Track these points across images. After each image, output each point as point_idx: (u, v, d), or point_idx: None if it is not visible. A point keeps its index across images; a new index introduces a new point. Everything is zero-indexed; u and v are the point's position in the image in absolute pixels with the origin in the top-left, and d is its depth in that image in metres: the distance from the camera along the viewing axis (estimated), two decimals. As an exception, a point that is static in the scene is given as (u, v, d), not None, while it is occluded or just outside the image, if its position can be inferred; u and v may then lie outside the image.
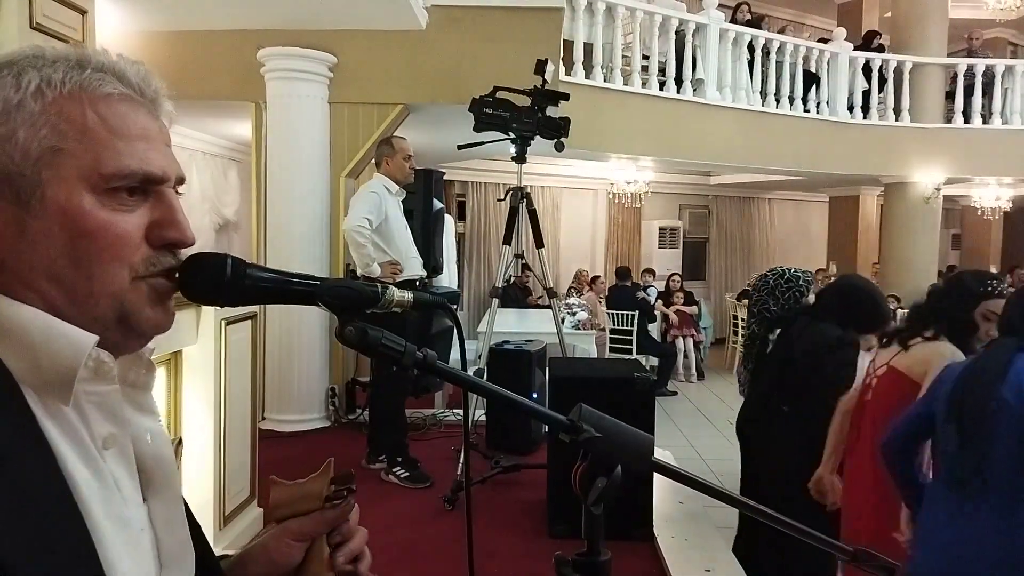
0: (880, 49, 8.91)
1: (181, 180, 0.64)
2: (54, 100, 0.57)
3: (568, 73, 6.15)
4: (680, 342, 8.93)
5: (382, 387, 3.90)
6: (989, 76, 8.74)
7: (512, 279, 8.30)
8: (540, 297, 8.61)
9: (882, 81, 8.64)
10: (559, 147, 3.64)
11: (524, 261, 4.11)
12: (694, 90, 7.22)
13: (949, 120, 8.89)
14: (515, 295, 8.49)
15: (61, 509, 0.52)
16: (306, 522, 0.73)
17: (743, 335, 9.13)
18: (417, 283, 3.92)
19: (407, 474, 3.75)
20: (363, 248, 3.74)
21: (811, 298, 3.18)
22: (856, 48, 8.61)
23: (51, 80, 0.58)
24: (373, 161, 4.24)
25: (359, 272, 3.77)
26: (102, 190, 0.57)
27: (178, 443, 2.03)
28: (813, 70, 8.28)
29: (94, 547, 0.53)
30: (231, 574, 0.74)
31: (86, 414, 0.57)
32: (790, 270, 3.36)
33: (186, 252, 0.64)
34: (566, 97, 3.67)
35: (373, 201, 3.79)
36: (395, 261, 3.84)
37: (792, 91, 8.03)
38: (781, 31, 8.89)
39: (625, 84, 6.77)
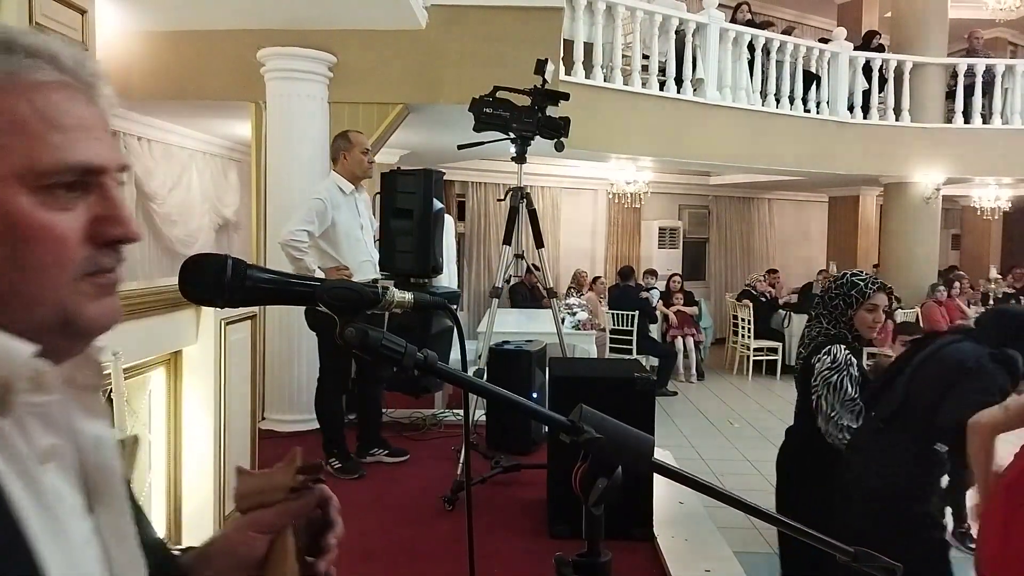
0: (880, 49, 8.92)
1: (123, 168, 0.60)
2: None
3: (568, 73, 6.15)
4: (680, 342, 8.93)
5: (326, 381, 3.89)
6: (989, 76, 8.75)
7: (513, 279, 8.28)
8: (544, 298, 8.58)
9: (882, 81, 8.65)
10: (559, 147, 3.64)
11: (534, 262, 4.05)
12: (694, 90, 7.22)
13: (949, 120, 8.90)
14: (524, 294, 8.45)
15: (2, 529, 0.49)
16: (270, 514, 0.69)
17: (744, 335, 9.16)
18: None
19: (340, 465, 3.81)
20: (299, 262, 3.59)
21: (861, 313, 2.58)
22: (856, 48, 8.61)
23: None
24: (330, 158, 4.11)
25: None
26: (39, 188, 0.53)
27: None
28: (813, 70, 8.28)
29: (36, 565, 0.50)
30: (194, 569, 0.71)
31: (25, 426, 0.54)
32: (853, 274, 2.65)
33: (130, 248, 0.61)
34: (566, 97, 3.67)
35: (315, 209, 3.66)
36: (343, 267, 3.74)
37: (792, 91, 8.03)
38: (787, 32, 8.88)
39: (625, 84, 6.77)
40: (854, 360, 2.51)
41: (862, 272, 2.66)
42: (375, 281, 3.88)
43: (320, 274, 3.61)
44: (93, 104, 0.58)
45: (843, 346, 2.51)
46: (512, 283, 8.07)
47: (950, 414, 2.14)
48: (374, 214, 4.30)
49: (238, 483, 0.71)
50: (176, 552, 0.73)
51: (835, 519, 2.35)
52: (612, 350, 8.17)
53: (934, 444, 2.25)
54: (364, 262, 3.88)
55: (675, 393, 8.10)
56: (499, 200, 9.62)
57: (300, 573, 0.69)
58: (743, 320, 9.23)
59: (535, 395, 4.41)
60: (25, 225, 0.53)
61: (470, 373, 0.86)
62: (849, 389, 2.45)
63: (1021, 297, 9.74)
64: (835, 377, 2.45)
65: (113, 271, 0.58)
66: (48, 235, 0.54)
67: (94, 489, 0.58)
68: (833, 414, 2.46)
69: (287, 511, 0.70)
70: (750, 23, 8.28)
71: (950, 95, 8.97)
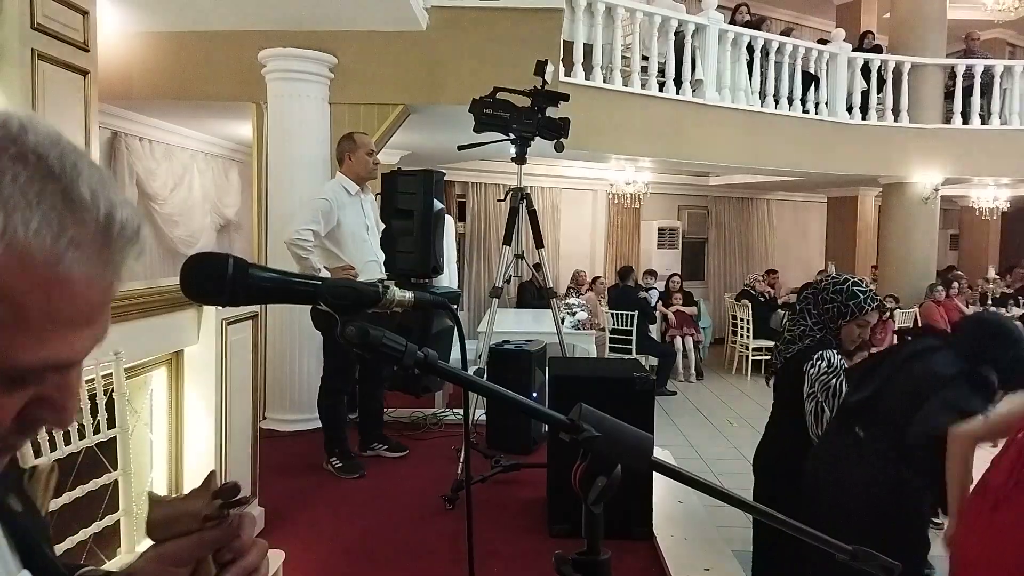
0: (875, 49, 8.93)
1: (104, 335, 0.52)
2: (5, 252, 0.43)
3: (568, 74, 6.16)
4: (679, 342, 8.93)
5: (330, 381, 3.91)
6: (988, 77, 8.76)
7: (514, 279, 8.24)
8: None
9: (881, 82, 8.66)
10: (559, 148, 3.65)
11: (536, 262, 4.04)
12: (693, 91, 7.23)
13: (948, 121, 8.91)
14: (532, 292, 8.40)
15: None
16: (184, 545, 0.63)
17: (743, 334, 9.17)
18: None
19: (340, 464, 3.85)
20: (305, 260, 3.61)
21: (847, 328, 2.47)
22: (851, 50, 8.62)
23: (16, 229, 0.43)
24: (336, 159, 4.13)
25: None
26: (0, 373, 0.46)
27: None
28: (812, 71, 8.29)
29: None
30: None
31: None
32: (854, 283, 2.50)
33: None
34: (566, 98, 3.68)
35: (320, 209, 3.67)
36: (348, 267, 3.75)
37: (791, 92, 8.03)
38: (786, 33, 8.89)
39: (625, 85, 6.78)
40: (845, 364, 2.44)
41: (863, 283, 2.53)
42: (381, 281, 3.88)
43: (326, 274, 3.61)
44: (114, 277, 0.49)
45: (834, 351, 2.44)
46: (521, 281, 8.05)
47: (920, 429, 2.07)
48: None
49: (149, 511, 0.66)
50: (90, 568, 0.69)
51: (806, 517, 2.27)
52: (612, 350, 8.18)
53: (901, 452, 2.17)
54: (370, 262, 3.88)
55: (674, 393, 8.10)
56: (499, 200, 9.62)
57: None
58: (742, 320, 9.23)
59: (535, 395, 4.41)
60: None
61: (470, 372, 0.87)
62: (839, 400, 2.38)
63: (1020, 297, 9.75)
64: (835, 381, 2.37)
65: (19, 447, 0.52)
66: None
67: None
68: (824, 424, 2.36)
69: (203, 542, 0.64)
70: (749, 24, 8.29)
71: (949, 96, 8.98)
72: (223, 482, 0.67)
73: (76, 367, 0.51)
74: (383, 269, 4.03)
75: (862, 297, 2.45)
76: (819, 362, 2.40)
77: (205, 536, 0.64)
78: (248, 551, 0.66)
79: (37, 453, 1.66)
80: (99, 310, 0.49)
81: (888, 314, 8.34)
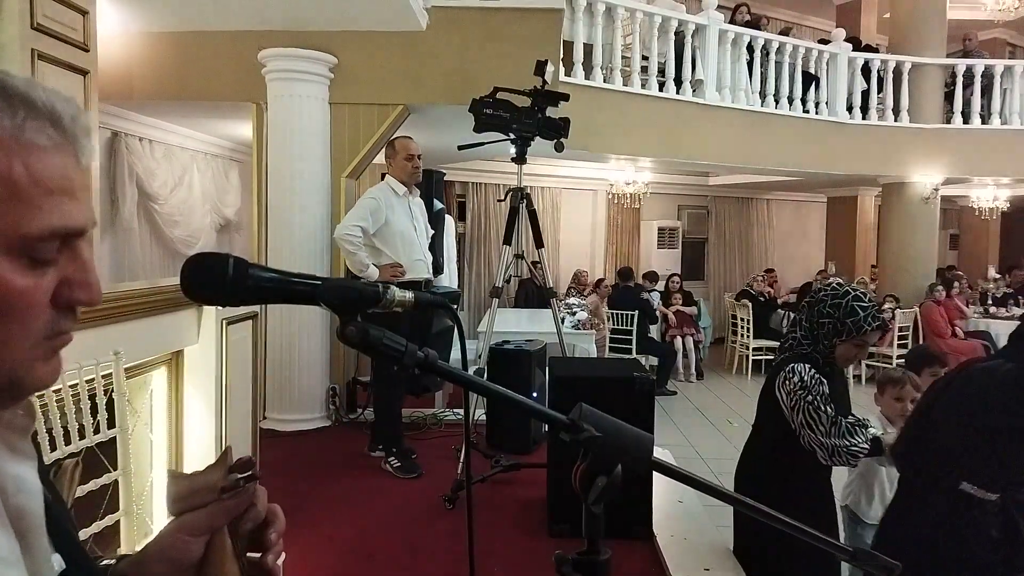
0: (867, 51, 8.94)
1: (94, 224, 0.59)
2: None
3: (568, 74, 6.16)
4: (680, 342, 8.93)
5: (378, 384, 4.02)
6: (988, 77, 8.76)
7: (514, 279, 8.22)
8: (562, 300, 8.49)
9: (880, 81, 8.66)
10: (559, 148, 3.65)
11: (536, 260, 4.03)
12: (693, 91, 7.23)
13: (948, 120, 8.91)
14: (532, 292, 8.37)
15: None
16: (202, 515, 0.68)
17: (743, 335, 9.17)
18: (422, 285, 3.95)
19: (399, 464, 3.87)
20: (354, 255, 3.82)
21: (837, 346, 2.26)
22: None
23: None
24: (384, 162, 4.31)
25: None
26: (18, 251, 0.52)
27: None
28: (812, 71, 8.30)
29: None
30: None
31: None
32: (855, 298, 2.22)
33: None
34: (566, 98, 3.68)
35: (368, 207, 3.87)
36: (397, 264, 3.89)
37: (791, 92, 8.04)
38: (785, 33, 8.89)
39: (625, 85, 6.78)
40: (822, 378, 2.22)
41: (866, 298, 2.23)
42: (428, 281, 4.06)
43: (374, 269, 3.82)
44: (80, 161, 0.57)
45: (808, 365, 2.22)
46: (521, 279, 8.01)
47: (997, 414, 1.85)
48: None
49: (169, 486, 0.69)
50: (110, 562, 0.72)
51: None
52: (612, 350, 8.17)
53: (959, 484, 1.96)
54: (417, 261, 4.00)
55: (674, 392, 8.10)
56: (499, 200, 9.63)
57: (240, 573, 0.69)
58: (742, 320, 9.24)
59: (535, 394, 4.41)
60: (4, 292, 0.52)
61: (470, 372, 0.87)
62: (828, 410, 2.19)
63: (1020, 297, 9.75)
64: (811, 397, 2.19)
65: (68, 332, 0.57)
66: (21, 302, 0.52)
67: (17, 533, 0.56)
68: (827, 437, 2.17)
69: (220, 512, 0.68)
70: (749, 24, 8.29)
71: (949, 96, 8.98)
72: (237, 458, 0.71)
73: (84, 242, 0.57)
74: (430, 269, 4.15)
75: (862, 315, 2.16)
76: (792, 376, 2.23)
77: (222, 507, 0.68)
78: (274, 520, 0.72)
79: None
80: (80, 184, 0.56)
81: (890, 315, 8.35)
